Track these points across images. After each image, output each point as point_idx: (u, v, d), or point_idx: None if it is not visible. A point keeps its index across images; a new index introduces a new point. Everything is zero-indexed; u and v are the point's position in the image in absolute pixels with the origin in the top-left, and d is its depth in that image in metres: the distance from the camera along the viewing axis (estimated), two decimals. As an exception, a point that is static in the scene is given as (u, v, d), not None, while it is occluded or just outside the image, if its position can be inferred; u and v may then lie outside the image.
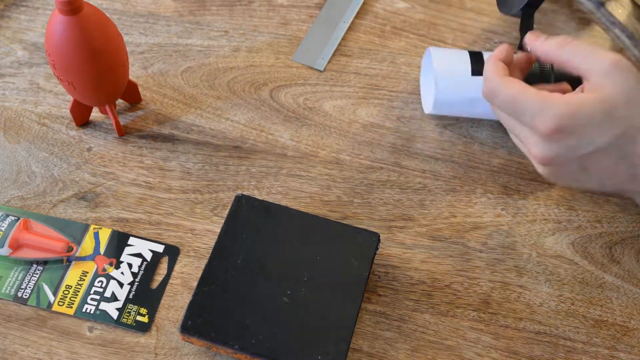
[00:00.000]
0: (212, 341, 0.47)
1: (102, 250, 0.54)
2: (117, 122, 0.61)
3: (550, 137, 0.45)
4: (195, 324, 0.47)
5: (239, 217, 0.52)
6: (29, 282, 0.53)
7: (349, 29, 0.71)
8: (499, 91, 0.48)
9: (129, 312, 0.52)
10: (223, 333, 0.47)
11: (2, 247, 0.53)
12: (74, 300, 0.52)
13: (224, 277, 0.49)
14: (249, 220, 0.52)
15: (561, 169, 0.48)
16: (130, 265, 0.54)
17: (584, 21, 0.74)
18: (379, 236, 0.52)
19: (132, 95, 0.63)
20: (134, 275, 0.54)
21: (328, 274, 0.50)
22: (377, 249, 0.52)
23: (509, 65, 0.51)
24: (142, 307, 0.52)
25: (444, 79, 0.60)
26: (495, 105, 0.49)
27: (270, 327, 0.47)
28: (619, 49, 0.71)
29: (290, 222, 0.52)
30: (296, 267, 0.50)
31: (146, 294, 0.53)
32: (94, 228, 0.56)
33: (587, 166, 0.47)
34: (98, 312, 0.52)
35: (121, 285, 0.53)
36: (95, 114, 0.63)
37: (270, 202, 0.53)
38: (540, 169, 0.49)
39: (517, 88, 0.47)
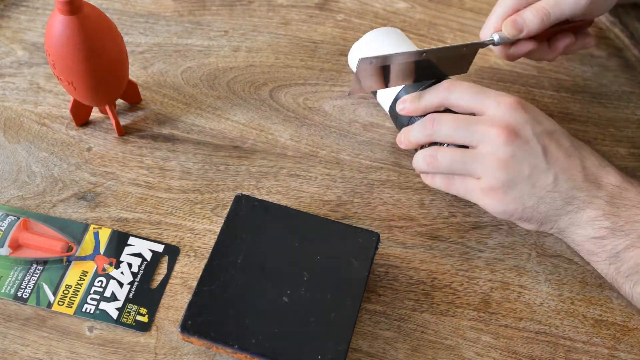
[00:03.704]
0: (212, 341, 0.47)
1: (102, 250, 0.55)
2: (117, 122, 0.61)
3: (515, 107, 0.52)
4: (195, 323, 0.47)
5: (238, 217, 0.52)
6: (28, 281, 0.53)
7: (349, 28, 0.71)
8: (461, 84, 0.54)
9: (129, 312, 0.52)
10: (223, 332, 0.47)
11: (2, 246, 0.53)
12: (74, 300, 0.52)
13: (224, 277, 0.49)
14: (248, 220, 0.52)
15: (524, 150, 0.51)
16: (130, 265, 0.54)
17: (584, 21, 0.74)
18: (378, 236, 0.52)
19: (132, 95, 0.63)
20: (134, 275, 0.54)
21: (328, 274, 0.50)
22: (377, 248, 0.52)
23: None
24: (142, 307, 0.52)
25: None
26: (455, 91, 0.54)
27: (270, 327, 0.47)
28: (619, 49, 0.71)
29: (290, 222, 0.52)
30: (296, 266, 0.50)
31: (146, 293, 0.53)
32: (94, 228, 0.56)
33: (547, 147, 0.51)
34: (98, 311, 0.52)
35: (121, 285, 0.53)
36: (95, 114, 0.63)
37: (270, 202, 0.53)
38: (504, 161, 0.51)
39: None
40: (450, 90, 0.54)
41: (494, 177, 0.51)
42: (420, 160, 0.55)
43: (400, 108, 0.57)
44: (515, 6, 0.58)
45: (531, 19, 0.56)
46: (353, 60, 0.63)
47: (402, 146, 0.57)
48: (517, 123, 0.51)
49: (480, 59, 0.69)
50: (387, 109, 0.60)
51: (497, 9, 0.59)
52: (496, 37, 0.58)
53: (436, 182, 0.56)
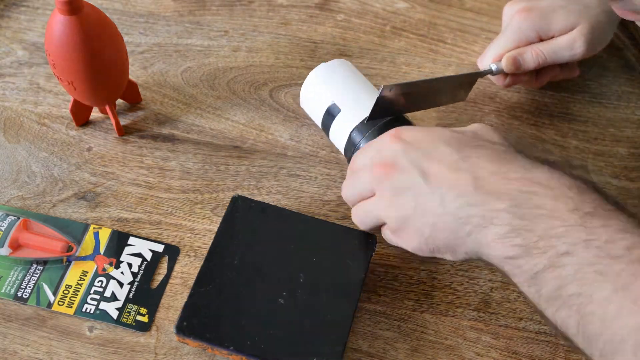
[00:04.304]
0: (207, 342, 0.47)
1: (102, 250, 0.55)
2: (117, 122, 0.61)
3: (391, 140, 0.49)
4: (191, 324, 0.47)
5: (235, 218, 0.52)
6: (29, 281, 0.53)
7: (349, 28, 0.71)
8: (359, 151, 0.52)
9: (129, 312, 0.52)
10: (219, 334, 0.47)
11: (2, 246, 0.53)
12: (74, 300, 0.52)
13: (220, 278, 0.49)
14: (245, 221, 0.52)
15: (402, 181, 0.47)
16: (130, 265, 0.54)
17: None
18: (375, 238, 0.52)
19: (132, 95, 0.63)
20: (134, 275, 0.54)
21: (324, 276, 0.50)
22: (373, 250, 0.52)
23: None
24: (142, 307, 0.52)
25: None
26: (355, 165, 0.51)
27: (266, 329, 0.47)
28: (619, 49, 0.71)
29: (287, 223, 0.52)
30: (292, 268, 0.50)
31: (146, 293, 0.53)
32: (94, 228, 0.56)
33: (427, 169, 0.46)
34: (98, 311, 0.52)
35: (121, 285, 0.53)
36: (95, 114, 0.63)
37: (267, 203, 0.53)
38: (385, 191, 0.48)
39: None
40: (352, 162, 0.52)
41: (388, 218, 0.48)
42: None
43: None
44: (516, 44, 0.61)
45: (530, 60, 0.61)
46: (306, 99, 0.61)
47: None
48: (391, 156, 0.48)
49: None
50: (341, 149, 0.58)
51: (498, 42, 0.62)
52: (494, 67, 0.62)
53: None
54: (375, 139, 0.52)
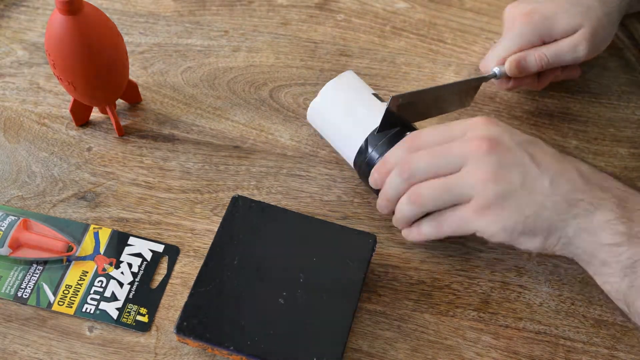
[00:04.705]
0: (207, 342, 0.47)
1: (102, 250, 0.55)
2: (117, 122, 0.61)
3: (487, 122, 0.49)
4: (191, 324, 0.47)
5: (235, 218, 0.52)
6: (29, 281, 0.53)
7: (349, 28, 0.71)
8: (424, 130, 0.52)
9: (129, 312, 0.52)
10: (218, 334, 0.47)
11: (2, 246, 0.53)
12: (74, 300, 0.52)
13: (220, 278, 0.49)
14: (245, 221, 0.52)
15: (510, 158, 0.47)
16: (130, 265, 0.54)
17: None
18: (375, 238, 0.52)
19: (132, 95, 0.63)
20: (134, 275, 0.54)
21: (324, 276, 0.50)
22: (373, 250, 0.52)
23: None
24: (142, 307, 0.52)
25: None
26: (422, 136, 0.51)
27: (265, 329, 0.47)
28: (619, 49, 0.71)
29: (287, 223, 0.52)
30: (292, 268, 0.50)
31: (146, 293, 0.53)
32: (94, 228, 0.56)
33: (534, 154, 0.47)
34: (98, 311, 0.52)
35: (121, 285, 0.53)
36: (95, 114, 0.63)
37: (267, 203, 0.53)
38: (492, 173, 0.46)
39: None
40: (415, 139, 0.51)
41: (484, 193, 0.46)
42: (404, 207, 0.51)
43: (373, 181, 0.54)
44: (519, 47, 0.61)
45: (533, 64, 0.61)
46: (313, 117, 0.60)
47: (386, 210, 0.54)
48: (494, 134, 0.48)
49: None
50: (350, 161, 0.58)
51: (501, 46, 0.62)
52: (497, 71, 0.62)
53: (424, 230, 0.51)
54: (458, 121, 0.50)
